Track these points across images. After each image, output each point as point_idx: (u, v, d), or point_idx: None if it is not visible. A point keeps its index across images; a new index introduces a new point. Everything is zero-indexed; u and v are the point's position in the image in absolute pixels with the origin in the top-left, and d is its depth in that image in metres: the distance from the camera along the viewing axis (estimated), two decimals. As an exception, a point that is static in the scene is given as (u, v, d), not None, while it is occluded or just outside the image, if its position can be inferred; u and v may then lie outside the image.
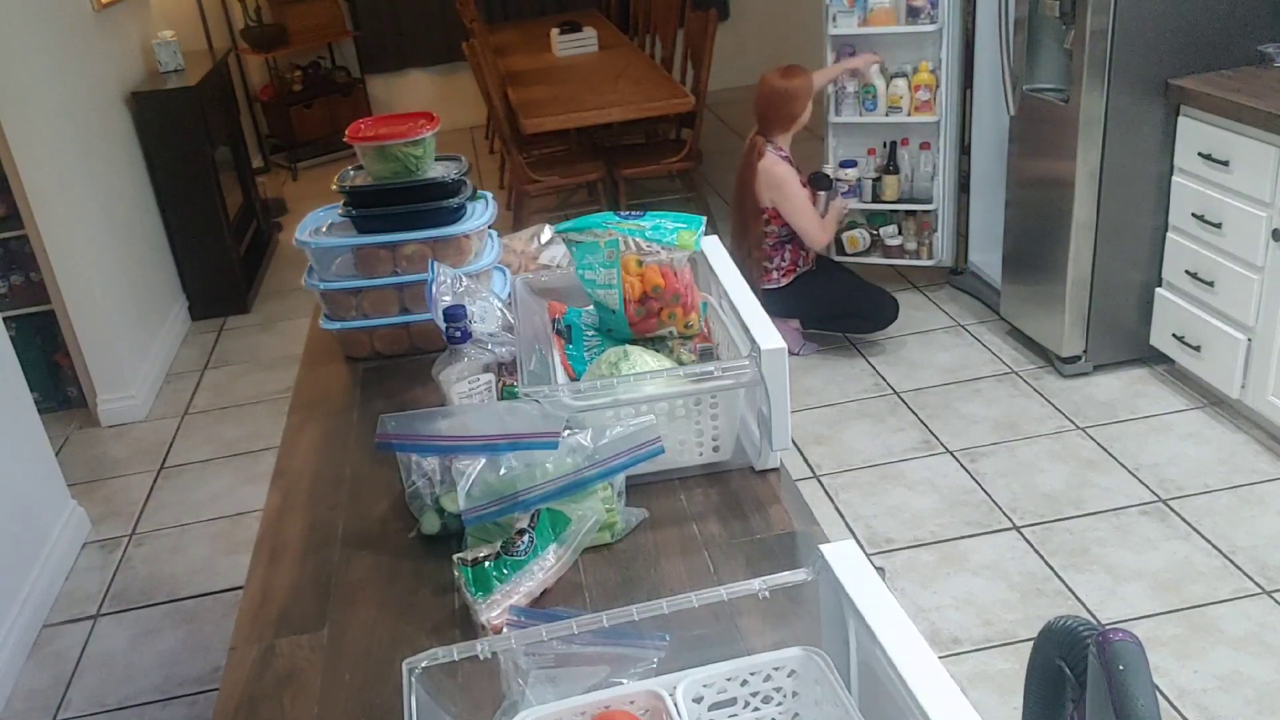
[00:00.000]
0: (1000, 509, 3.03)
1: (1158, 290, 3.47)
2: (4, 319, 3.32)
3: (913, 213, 4.30)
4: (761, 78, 3.83)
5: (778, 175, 3.73)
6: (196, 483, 3.64)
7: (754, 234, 3.85)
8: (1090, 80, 3.25)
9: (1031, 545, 2.87)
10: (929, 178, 4.23)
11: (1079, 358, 3.62)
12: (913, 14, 4.01)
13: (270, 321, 4.85)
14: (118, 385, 4.04)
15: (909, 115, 4.12)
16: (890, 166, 4.24)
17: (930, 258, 4.32)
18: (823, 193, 3.88)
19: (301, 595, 1.45)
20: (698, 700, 1.09)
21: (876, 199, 4.30)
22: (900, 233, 4.33)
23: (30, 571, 3.05)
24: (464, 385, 1.61)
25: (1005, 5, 3.56)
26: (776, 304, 3.76)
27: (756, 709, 1.11)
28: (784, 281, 3.89)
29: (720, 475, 1.59)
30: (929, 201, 4.23)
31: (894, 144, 4.24)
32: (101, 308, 3.94)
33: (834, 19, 4.11)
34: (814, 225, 3.78)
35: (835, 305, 3.94)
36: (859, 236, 4.34)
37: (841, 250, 4.35)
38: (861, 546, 2.17)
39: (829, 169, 4.10)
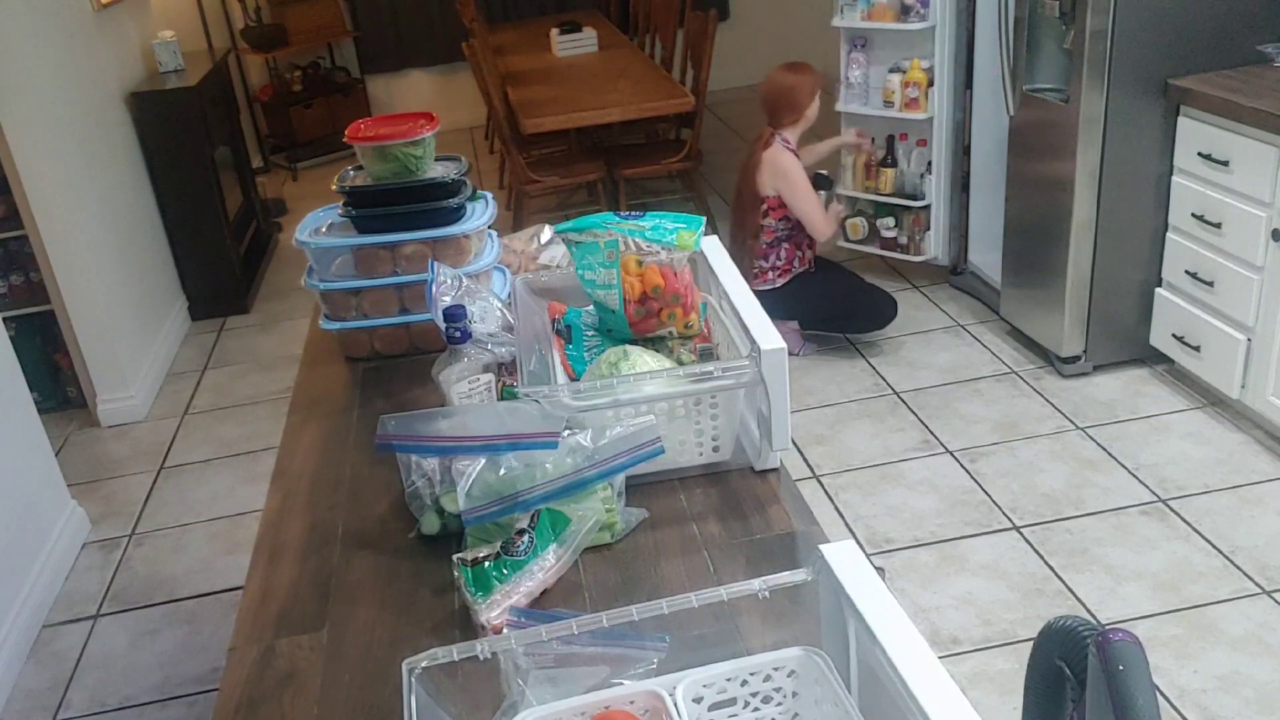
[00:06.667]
0: (1000, 509, 3.03)
1: (1157, 290, 3.47)
2: (4, 319, 3.32)
3: (908, 208, 4.32)
4: (768, 75, 3.86)
5: (783, 163, 3.75)
6: (196, 483, 3.64)
7: (750, 224, 3.86)
8: (1090, 80, 3.25)
9: (1031, 545, 2.87)
10: (919, 175, 4.25)
11: (1079, 358, 3.62)
12: (906, 11, 4.05)
13: (270, 321, 4.85)
14: (118, 385, 4.04)
15: (899, 111, 4.15)
16: (888, 160, 4.27)
17: (918, 254, 4.34)
18: (822, 193, 3.90)
19: (301, 595, 1.45)
20: (698, 700, 1.09)
21: (879, 190, 4.35)
22: (897, 225, 4.36)
23: (30, 571, 3.05)
24: (464, 385, 1.61)
25: (1005, 5, 3.57)
26: (774, 305, 3.76)
27: (756, 709, 1.11)
28: (780, 282, 3.89)
29: (720, 475, 1.59)
30: (920, 198, 4.25)
31: (892, 138, 4.26)
32: (101, 308, 3.94)
33: (841, 11, 4.20)
34: (818, 214, 3.80)
35: (834, 306, 3.94)
36: (860, 224, 4.41)
37: (846, 237, 4.43)
38: (861, 546, 2.17)
39: (826, 172, 4.12)
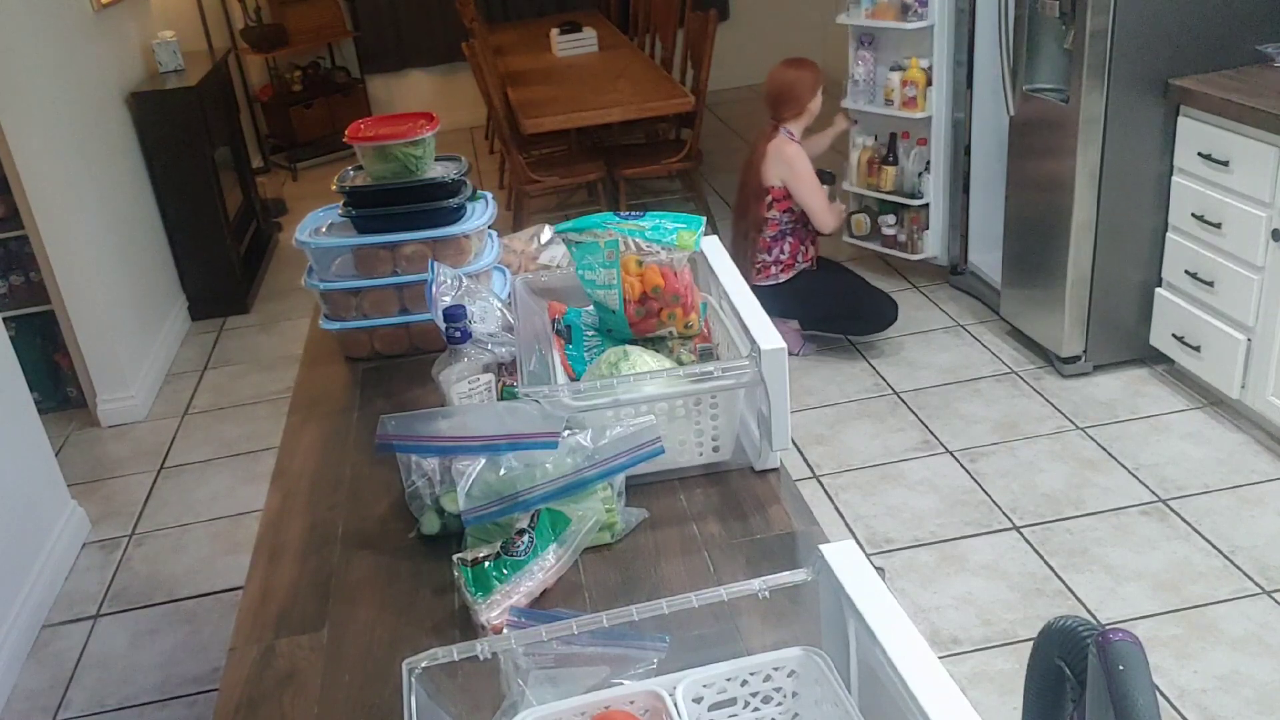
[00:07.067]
0: (1000, 509, 3.03)
1: (1157, 290, 3.47)
2: (4, 319, 3.32)
3: (907, 206, 4.32)
4: (770, 71, 3.87)
5: (788, 152, 3.76)
6: (196, 483, 3.64)
7: (753, 215, 3.87)
8: (1090, 80, 3.25)
9: (1031, 545, 2.87)
10: (917, 174, 4.25)
11: (1079, 358, 3.62)
12: (905, 10, 4.05)
13: (270, 321, 4.85)
14: (118, 385, 4.04)
15: (898, 110, 4.16)
16: (889, 158, 4.28)
17: (915, 252, 4.35)
18: (826, 188, 3.90)
19: (301, 595, 1.45)
20: (698, 700, 1.09)
21: (879, 187, 4.36)
22: (898, 223, 4.37)
23: (30, 571, 3.05)
24: (464, 385, 1.61)
25: (1005, 5, 3.57)
26: (775, 303, 3.76)
27: (756, 709, 1.11)
28: (783, 277, 3.89)
29: (720, 475, 1.59)
30: (918, 197, 4.26)
31: (894, 136, 4.27)
32: (101, 308, 3.94)
33: (848, 8, 4.22)
34: (823, 205, 3.81)
35: (835, 306, 3.94)
36: (864, 220, 4.43)
37: (850, 232, 4.45)
38: (861, 546, 2.17)
39: (829, 170, 4.13)
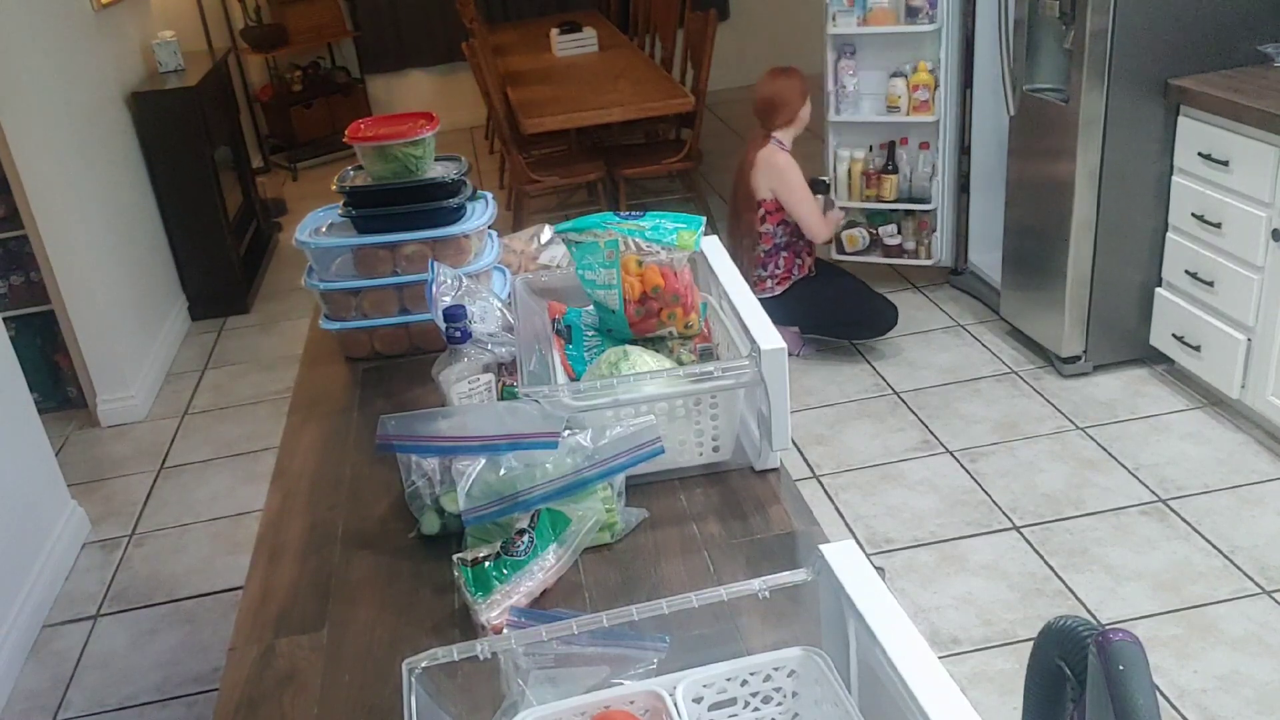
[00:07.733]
0: (1000, 509, 3.03)
1: (1157, 290, 3.47)
2: (4, 319, 3.32)
3: (911, 212, 4.30)
4: (758, 82, 3.86)
5: (779, 163, 3.75)
6: (196, 483, 3.64)
7: (747, 225, 3.86)
8: (1090, 80, 3.25)
9: (1031, 545, 2.87)
10: (927, 178, 4.23)
11: (1079, 358, 3.62)
12: (911, 14, 4.02)
13: (270, 321, 4.85)
14: (118, 385, 4.04)
15: (907, 115, 4.13)
16: (889, 166, 4.25)
17: (929, 257, 4.33)
18: (820, 197, 3.89)
19: (301, 595, 1.45)
20: (698, 700, 1.09)
21: (880, 198, 4.32)
22: (899, 232, 4.34)
23: (30, 571, 3.05)
24: (464, 385, 1.61)
25: (1005, 5, 3.57)
26: (774, 312, 3.73)
27: (756, 709, 1.11)
28: (779, 290, 3.89)
29: (720, 475, 1.59)
30: (927, 201, 4.24)
31: (893, 143, 4.25)
32: (101, 308, 3.94)
33: (834, 18, 4.13)
34: (815, 216, 3.79)
35: (834, 312, 3.93)
36: (858, 235, 4.36)
37: (841, 249, 4.37)
38: (861, 546, 2.17)
39: (825, 177, 4.11)
